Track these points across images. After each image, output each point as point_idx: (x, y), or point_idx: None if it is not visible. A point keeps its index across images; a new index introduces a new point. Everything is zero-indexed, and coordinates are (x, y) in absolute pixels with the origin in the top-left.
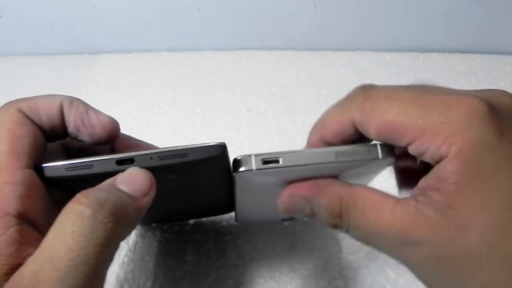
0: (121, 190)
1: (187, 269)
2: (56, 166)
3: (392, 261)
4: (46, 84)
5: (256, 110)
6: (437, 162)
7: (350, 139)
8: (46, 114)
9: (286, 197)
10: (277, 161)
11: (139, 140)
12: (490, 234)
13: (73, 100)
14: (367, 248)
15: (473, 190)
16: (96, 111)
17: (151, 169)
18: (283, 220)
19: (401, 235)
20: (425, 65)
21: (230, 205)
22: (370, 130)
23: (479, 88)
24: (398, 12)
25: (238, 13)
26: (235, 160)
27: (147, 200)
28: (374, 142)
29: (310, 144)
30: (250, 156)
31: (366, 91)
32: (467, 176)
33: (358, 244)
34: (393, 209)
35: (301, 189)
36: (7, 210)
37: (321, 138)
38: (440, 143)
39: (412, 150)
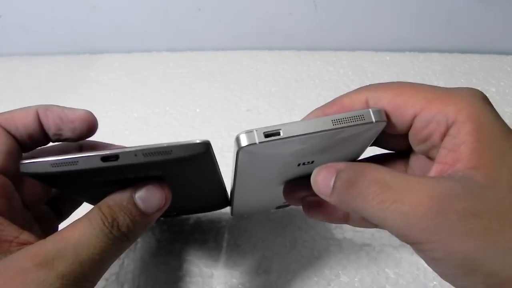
0: (137, 207)
1: (187, 269)
2: (42, 162)
3: (392, 261)
4: (46, 84)
5: (256, 110)
6: (442, 130)
7: None
8: (23, 123)
9: (317, 169)
10: (278, 133)
11: (108, 143)
12: None
13: (47, 106)
14: (367, 248)
15: (491, 149)
16: (72, 108)
17: (135, 166)
18: (278, 207)
19: (428, 187)
20: (425, 65)
21: (223, 201)
22: (381, 102)
23: (478, 89)
24: (398, 12)
25: (238, 13)
26: (237, 137)
27: (158, 215)
28: (366, 109)
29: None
30: (252, 131)
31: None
32: (483, 135)
33: (358, 244)
34: (416, 175)
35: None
36: None
37: (327, 114)
38: (448, 109)
39: (418, 121)
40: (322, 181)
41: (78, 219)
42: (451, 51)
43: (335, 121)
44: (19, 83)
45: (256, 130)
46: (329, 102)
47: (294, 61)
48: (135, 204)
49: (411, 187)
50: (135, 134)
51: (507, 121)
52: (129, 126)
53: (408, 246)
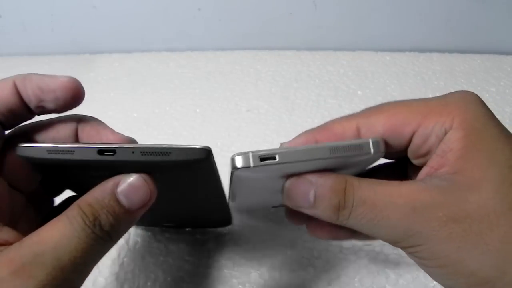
0: (120, 204)
1: (187, 269)
2: (38, 147)
3: (392, 261)
4: None
5: (256, 110)
6: (441, 140)
7: None
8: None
9: (291, 180)
10: (274, 158)
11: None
12: (502, 188)
13: (25, 76)
14: (367, 248)
15: (479, 152)
16: (52, 76)
17: (131, 163)
18: (273, 207)
19: (411, 201)
20: (425, 65)
21: (226, 218)
22: (376, 127)
23: (478, 89)
24: (398, 12)
25: (238, 13)
26: (233, 158)
27: (143, 211)
28: (365, 138)
29: (294, 142)
30: (247, 153)
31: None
32: (473, 140)
33: (359, 244)
34: (399, 184)
35: (306, 174)
36: None
37: (316, 139)
38: (443, 119)
39: (417, 137)
40: (300, 194)
41: (57, 217)
42: (451, 51)
43: (333, 149)
44: None
45: (251, 153)
46: (319, 127)
47: (294, 61)
48: (117, 201)
49: (395, 202)
50: (135, 134)
51: (507, 121)
52: (129, 126)
53: None
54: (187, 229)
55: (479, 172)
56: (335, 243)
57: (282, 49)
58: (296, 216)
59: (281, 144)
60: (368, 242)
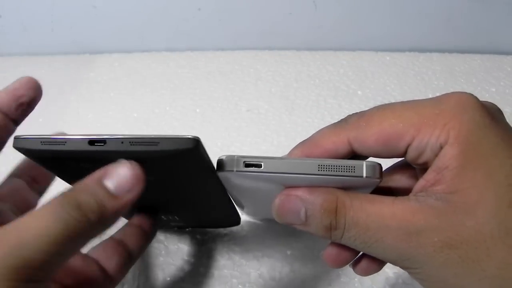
0: (104, 188)
1: (187, 269)
2: (32, 138)
3: None
4: (46, 84)
5: (256, 110)
6: (437, 155)
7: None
8: None
9: (281, 196)
10: (259, 166)
11: None
12: (499, 210)
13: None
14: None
15: (476, 170)
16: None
17: (121, 153)
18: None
19: (404, 224)
20: (425, 65)
21: (234, 216)
22: (368, 142)
23: (478, 89)
24: (398, 12)
25: (238, 13)
26: (219, 159)
27: (129, 198)
28: (360, 160)
29: (290, 154)
30: (233, 156)
31: (359, 113)
32: (469, 157)
33: None
34: (393, 202)
35: (296, 189)
36: None
37: (307, 155)
38: (438, 132)
39: (412, 150)
40: (290, 211)
41: (42, 204)
42: (451, 51)
43: (322, 167)
44: None
45: (237, 157)
46: (310, 141)
47: (294, 61)
48: (102, 185)
49: (388, 225)
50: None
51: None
52: (129, 126)
53: None
54: (187, 229)
55: (475, 194)
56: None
57: (282, 49)
58: (338, 257)
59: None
60: None
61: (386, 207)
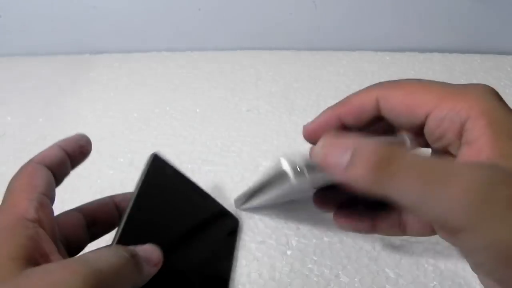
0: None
1: None
2: None
3: (392, 261)
4: (46, 84)
5: (256, 110)
6: (457, 128)
7: (367, 120)
8: (53, 160)
9: (325, 140)
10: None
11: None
12: None
13: (66, 139)
14: (367, 248)
15: (506, 135)
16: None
17: None
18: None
19: (471, 172)
20: (425, 65)
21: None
22: (393, 101)
23: None
24: (398, 12)
25: (238, 13)
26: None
27: (156, 270)
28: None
29: (317, 122)
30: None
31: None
32: (499, 127)
33: (359, 244)
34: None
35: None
36: (25, 215)
37: (337, 114)
38: (459, 107)
39: (431, 120)
40: (333, 157)
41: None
42: (451, 51)
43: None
44: (19, 83)
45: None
46: (340, 102)
47: (294, 61)
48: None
49: (456, 172)
50: (135, 134)
51: None
52: (129, 126)
53: (408, 245)
54: None
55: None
56: (335, 242)
57: (282, 49)
58: (325, 202)
59: (304, 126)
60: (385, 236)
61: (447, 161)
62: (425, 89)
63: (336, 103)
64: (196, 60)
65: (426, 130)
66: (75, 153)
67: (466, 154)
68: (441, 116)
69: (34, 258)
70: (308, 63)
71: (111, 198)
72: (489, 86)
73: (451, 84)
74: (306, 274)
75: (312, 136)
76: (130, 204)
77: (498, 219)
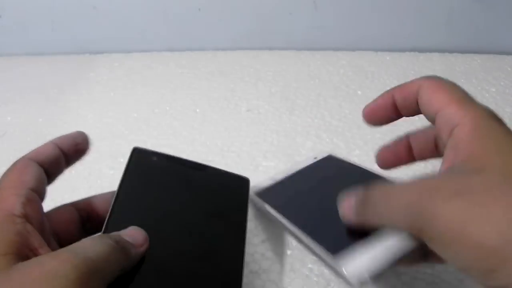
0: (126, 240)
1: None
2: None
3: None
4: (46, 84)
5: (256, 110)
6: (449, 130)
7: (411, 105)
8: (46, 155)
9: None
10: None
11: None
12: (506, 170)
13: (59, 137)
14: None
15: (486, 142)
16: (67, 134)
17: None
18: None
19: (420, 186)
20: (425, 65)
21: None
22: (422, 94)
23: (478, 89)
24: (398, 12)
25: (238, 13)
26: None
27: (143, 250)
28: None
29: (375, 103)
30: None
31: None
32: (480, 133)
33: None
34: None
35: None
36: (13, 211)
37: (391, 95)
38: (456, 113)
39: (438, 118)
40: (347, 206)
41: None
42: (451, 51)
43: None
44: (19, 83)
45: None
46: (397, 85)
47: (294, 61)
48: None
49: (406, 187)
50: (135, 134)
51: (506, 120)
52: (129, 126)
53: None
54: None
55: (485, 159)
56: None
57: (282, 49)
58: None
59: (364, 109)
60: None
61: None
62: (445, 91)
63: (394, 87)
64: (196, 60)
65: (435, 125)
66: (70, 151)
67: (447, 158)
68: (443, 116)
69: (23, 253)
70: (308, 63)
71: (111, 194)
72: (491, 110)
73: (468, 96)
74: (306, 274)
75: (371, 117)
76: (115, 194)
77: (440, 212)
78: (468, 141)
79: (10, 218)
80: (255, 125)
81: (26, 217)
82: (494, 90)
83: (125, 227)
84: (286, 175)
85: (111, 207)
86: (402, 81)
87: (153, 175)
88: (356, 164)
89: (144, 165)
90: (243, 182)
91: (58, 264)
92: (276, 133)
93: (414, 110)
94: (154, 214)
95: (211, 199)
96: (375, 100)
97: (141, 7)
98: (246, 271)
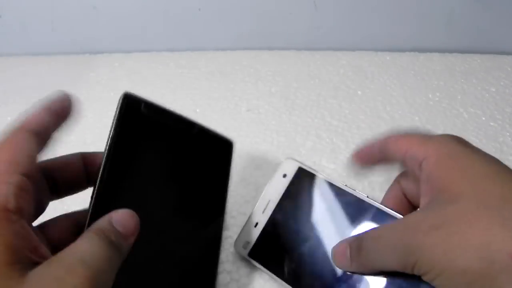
0: (117, 230)
1: None
2: None
3: None
4: (46, 84)
5: (256, 110)
6: (417, 165)
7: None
8: (40, 125)
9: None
10: None
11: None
12: (477, 195)
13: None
14: None
15: (451, 169)
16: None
17: None
18: None
19: (403, 224)
20: (425, 65)
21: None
22: (389, 142)
23: (478, 89)
24: (398, 12)
25: (238, 13)
26: None
27: (132, 242)
28: None
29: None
30: None
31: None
32: (444, 162)
33: None
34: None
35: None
36: (7, 205)
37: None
38: (421, 149)
39: (407, 158)
40: (340, 255)
41: (75, 241)
42: (451, 51)
43: None
44: (19, 83)
45: None
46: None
47: (294, 61)
48: (116, 229)
49: (393, 228)
50: None
51: (507, 120)
52: None
53: None
54: None
55: (456, 188)
56: None
57: (282, 49)
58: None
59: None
60: None
61: (383, 226)
62: (406, 137)
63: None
64: (196, 60)
65: (408, 165)
66: (59, 115)
67: (422, 194)
68: (409, 156)
69: (25, 256)
70: (308, 63)
71: (80, 155)
72: (455, 136)
73: (428, 135)
74: None
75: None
76: (104, 158)
77: (423, 246)
78: (436, 172)
79: (5, 215)
80: (255, 125)
81: (20, 212)
82: (494, 90)
83: (114, 202)
84: (267, 218)
85: (99, 176)
86: (402, 81)
87: (142, 136)
88: (330, 181)
89: (134, 122)
90: (227, 144)
91: (75, 280)
92: (276, 133)
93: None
94: (142, 186)
95: (197, 163)
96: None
97: (141, 7)
98: (246, 271)
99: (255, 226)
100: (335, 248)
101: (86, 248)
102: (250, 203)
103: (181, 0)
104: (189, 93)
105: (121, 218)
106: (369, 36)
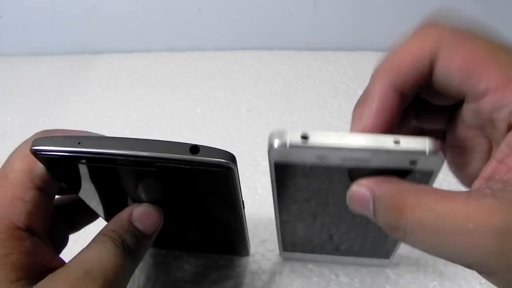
0: (136, 228)
1: (187, 270)
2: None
3: (392, 261)
4: (46, 84)
5: (256, 110)
6: (508, 127)
7: (422, 81)
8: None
9: (352, 188)
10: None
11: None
12: None
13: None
14: None
15: None
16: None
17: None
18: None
19: (481, 225)
20: None
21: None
22: (452, 61)
23: None
24: (398, 12)
25: (238, 13)
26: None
27: (154, 236)
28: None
29: (379, 95)
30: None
31: (441, 24)
32: None
33: None
34: (466, 200)
35: (365, 180)
36: (17, 224)
37: (392, 83)
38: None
39: (486, 101)
40: (360, 204)
41: (88, 245)
42: None
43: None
44: (19, 83)
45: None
46: (387, 62)
47: (294, 61)
48: (135, 227)
49: (461, 228)
50: (135, 134)
51: None
52: (129, 126)
53: (408, 246)
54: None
55: None
56: None
57: (282, 49)
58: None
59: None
60: None
61: (458, 206)
62: (491, 60)
63: (384, 64)
64: (196, 60)
65: (475, 107)
66: None
67: (503, 160)
68: (501, 103)
69: (36, 272)
70: (308, 63)
71: None
72: None
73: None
74: (307, 275)
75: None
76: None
77: (509, 265)
78: None
79: (15, 234)
80: (255, 125)
81: (32, 230)
82: None
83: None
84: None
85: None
86: None
87: None
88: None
89: None
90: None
91: None
92: None
93: (416, 91)
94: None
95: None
96: (370, 107)
97: (141, 7)
98: (246, 272)
99: None
100: (353, 192)
101: (95, 256)
102: (250, 203)
103: (181, 0)
104: (189, 93)
105: (142, 215)
106: (369, 36)
